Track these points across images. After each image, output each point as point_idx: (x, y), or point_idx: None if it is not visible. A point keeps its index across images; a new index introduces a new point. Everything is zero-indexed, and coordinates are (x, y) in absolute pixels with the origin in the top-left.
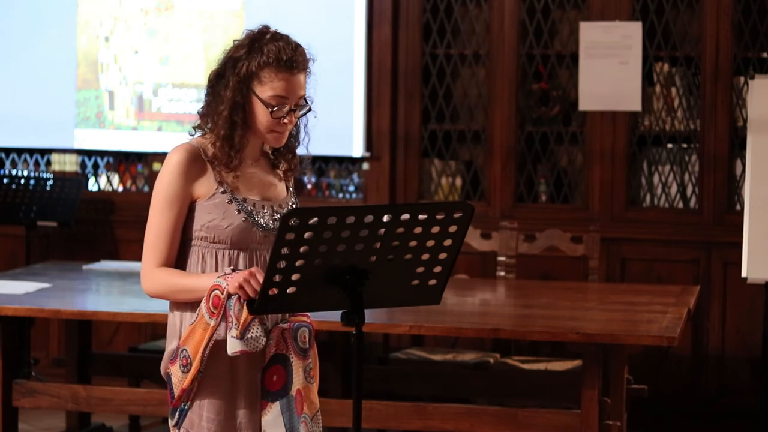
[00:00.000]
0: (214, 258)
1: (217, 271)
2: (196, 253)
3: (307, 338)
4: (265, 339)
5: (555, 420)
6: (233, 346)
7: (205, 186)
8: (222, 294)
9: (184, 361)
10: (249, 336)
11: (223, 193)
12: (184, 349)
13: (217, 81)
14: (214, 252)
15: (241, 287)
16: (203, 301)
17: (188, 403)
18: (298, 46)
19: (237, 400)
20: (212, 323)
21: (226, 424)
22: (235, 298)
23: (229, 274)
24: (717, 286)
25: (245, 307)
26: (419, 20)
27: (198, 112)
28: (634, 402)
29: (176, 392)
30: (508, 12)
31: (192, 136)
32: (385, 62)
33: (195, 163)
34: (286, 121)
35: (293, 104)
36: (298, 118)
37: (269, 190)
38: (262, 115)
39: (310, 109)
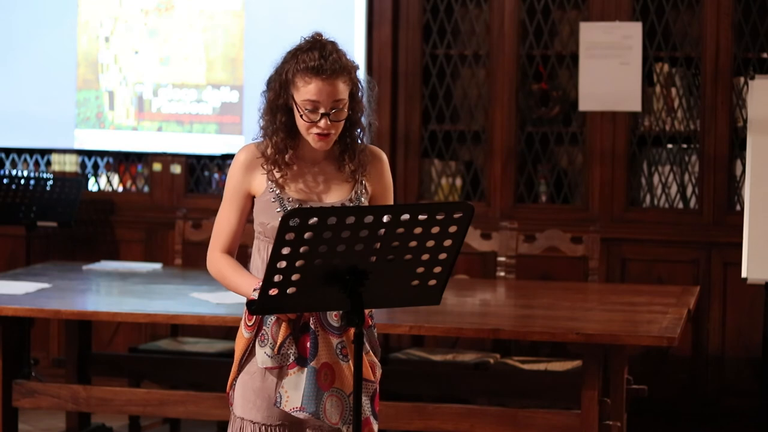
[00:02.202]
0: (266, 251)
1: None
2: (257, 245)
3: (338, 317)
4: (295, 354)
5: (555, 420)
6: (264, 361)
7: (260, 184)
8: None
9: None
10: (282, 353)
11: (270, 191)
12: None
13: (268, 84)
14: (267, 246)
15: None
16: (244, 310)
17: (233, 397)
18: (332, 53)
19: (270, 388)
20: (247, 336)
21: (259, 408)
22: (273, 318)
23: None
24: (717, 287)
25: (283, 325)
26: (419, 21)
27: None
28: (634, 402)
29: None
30: (508, 12)
31: (262, 135)
32: (386, 63)
33: (254, 162)
34: (321, 124)
35: (328, 109)
36: (345, 124)
37: (325, 192)
38: (299, 118)
39: (349, 114)
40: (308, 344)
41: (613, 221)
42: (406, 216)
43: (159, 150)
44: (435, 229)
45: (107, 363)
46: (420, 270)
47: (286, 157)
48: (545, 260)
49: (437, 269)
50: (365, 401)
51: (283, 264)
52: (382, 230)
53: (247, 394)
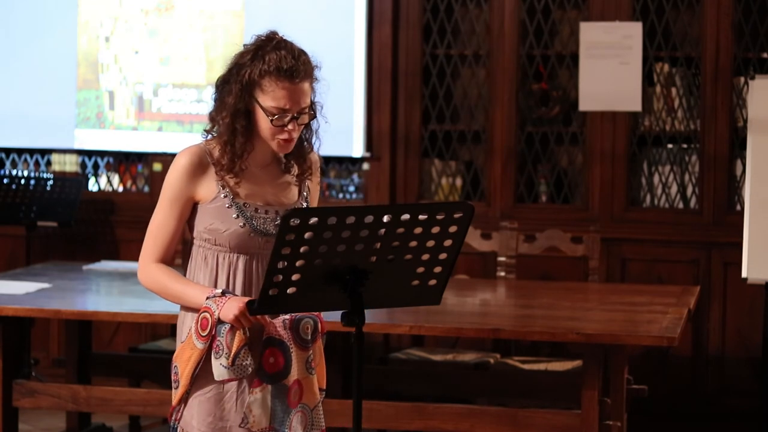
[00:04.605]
0: (215, 260)
1: (217, 273)
2: (200, 253)
3: (309, 330)
4: (252, 366)
5: (555, 420)
6: (221, 374)
7: (208, 189)
8: (211, 318)
9: (174, 377)
10: (238, 364)
11: (224, 197)
12: (176, 366)
13: (222, 86)
14: (215, 254)
15: (237, 319)
16: (193, 321)
17: (181, 412)
18: (301, 54)
19: (228, 403)
20: (200, 347)
21: (215, 426)
22: (227, 326)
23: (219, 296)
24: (717, 287)
25: (237, 334)
26: (419, 21)
27: (208, 115)
28: (635, 402)
29: (173, 400)
30: (508, 12)
31: (204, 137)
32: (386, 62)
33: (200, 166)
34: (289, 128)
35: (296, 112)
36: (304, 125)
37: (276, 194)
38: (264, 122)
39: (314, 117)
40: (272, 359)
41: (613, 221)
42: (406, 216)
43: (159, 150)
44: (435, 229)
45: (107, 363)
46: (420, 270)
47: (242, 162)
48: (545, 260)
49: (437, 269)
50: (321, 412)
51: (283, 264)
52: (383, 230)
53: (201, 412)
